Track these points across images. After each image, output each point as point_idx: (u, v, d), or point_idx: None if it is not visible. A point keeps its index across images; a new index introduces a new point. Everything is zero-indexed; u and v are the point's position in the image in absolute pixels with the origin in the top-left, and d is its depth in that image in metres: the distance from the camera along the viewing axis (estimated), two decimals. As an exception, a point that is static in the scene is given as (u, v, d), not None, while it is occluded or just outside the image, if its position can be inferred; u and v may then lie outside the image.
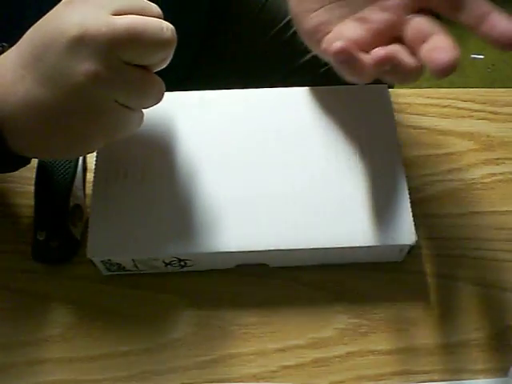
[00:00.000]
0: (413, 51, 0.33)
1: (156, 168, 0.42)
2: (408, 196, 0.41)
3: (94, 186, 0.41)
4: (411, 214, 0.40)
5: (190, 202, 0.41)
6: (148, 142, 0.43)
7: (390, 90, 0.46)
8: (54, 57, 0.31)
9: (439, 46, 0.31)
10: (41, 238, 0.42)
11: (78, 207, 0.43)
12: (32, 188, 0.43)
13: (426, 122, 0.49)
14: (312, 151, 0.43)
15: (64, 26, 0.31)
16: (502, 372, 0.40)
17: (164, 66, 0.35)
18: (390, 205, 0.41)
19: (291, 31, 0.63)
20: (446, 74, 0.30)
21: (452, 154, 0.48)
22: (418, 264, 0.43)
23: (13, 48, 0.34)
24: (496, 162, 0.48)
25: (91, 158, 0.45)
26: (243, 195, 0.41)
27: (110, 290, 0.42)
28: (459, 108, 0.50)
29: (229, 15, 0.66)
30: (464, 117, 0.50)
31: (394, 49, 0.33)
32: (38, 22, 0.33)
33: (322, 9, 0.36)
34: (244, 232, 0.40)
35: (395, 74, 0.33)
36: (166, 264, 0.41)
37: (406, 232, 0.40)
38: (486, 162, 0.47)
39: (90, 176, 0.45)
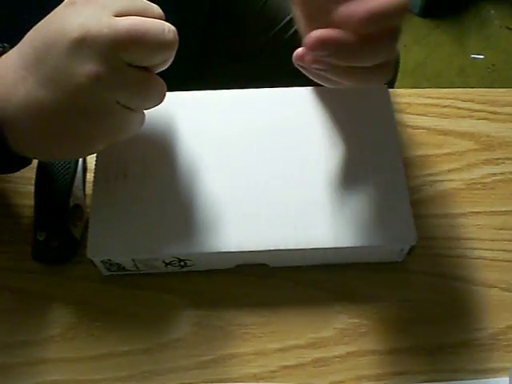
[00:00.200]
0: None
1: (156, 168, 0.42)
2: (408, 196, 0.41)
3: (93, 185, 0.41)
4: (411, 214, 0.41)
5: (190, 201, 0.41)
6: (148, 142, 0.43)
7: (390, 90, 0.46)
8: (56, 58, 0.31)
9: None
10: (41, 238, 0.42)
11: (77, 207, 0.43)
12: (32, 188, 0.44)
13: (426, 122, 0.49)
14: (312, 151, 0.43)
15: (66, 27, 0.31)
16: (502, 372, 0.40)
17: (165, 67, 0.35)
18: (390, 205, 0.41)
19: (292, 31, 0.63)
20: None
21: (452, 153, 0.48)
22: (418, 264, 0.43)
23: (14, 49, 0.34)
24: (496, 162, 0.48)
25: (91, 158, 0.45)
26: (243, 195, 0.41)
27: (110, 289, 0.42)
28: (459, 108, 0.50)
29: (229, 15, 0.66)
30: (464, 117, 0.50)
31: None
32: (40, 23, 0.33)
33: None
34: (244, 232, 0.40)
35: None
36: (166, 264, 0.41)
37: (406, 232, 0.40)
38: (486, 162, 0.48)
39: (90, 176, 0.45)
